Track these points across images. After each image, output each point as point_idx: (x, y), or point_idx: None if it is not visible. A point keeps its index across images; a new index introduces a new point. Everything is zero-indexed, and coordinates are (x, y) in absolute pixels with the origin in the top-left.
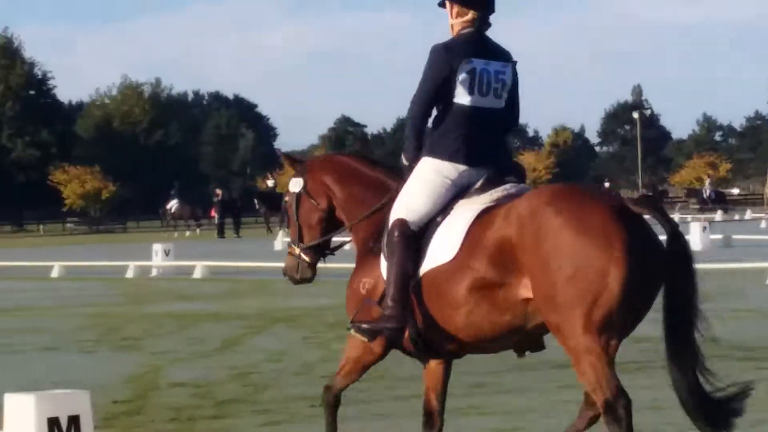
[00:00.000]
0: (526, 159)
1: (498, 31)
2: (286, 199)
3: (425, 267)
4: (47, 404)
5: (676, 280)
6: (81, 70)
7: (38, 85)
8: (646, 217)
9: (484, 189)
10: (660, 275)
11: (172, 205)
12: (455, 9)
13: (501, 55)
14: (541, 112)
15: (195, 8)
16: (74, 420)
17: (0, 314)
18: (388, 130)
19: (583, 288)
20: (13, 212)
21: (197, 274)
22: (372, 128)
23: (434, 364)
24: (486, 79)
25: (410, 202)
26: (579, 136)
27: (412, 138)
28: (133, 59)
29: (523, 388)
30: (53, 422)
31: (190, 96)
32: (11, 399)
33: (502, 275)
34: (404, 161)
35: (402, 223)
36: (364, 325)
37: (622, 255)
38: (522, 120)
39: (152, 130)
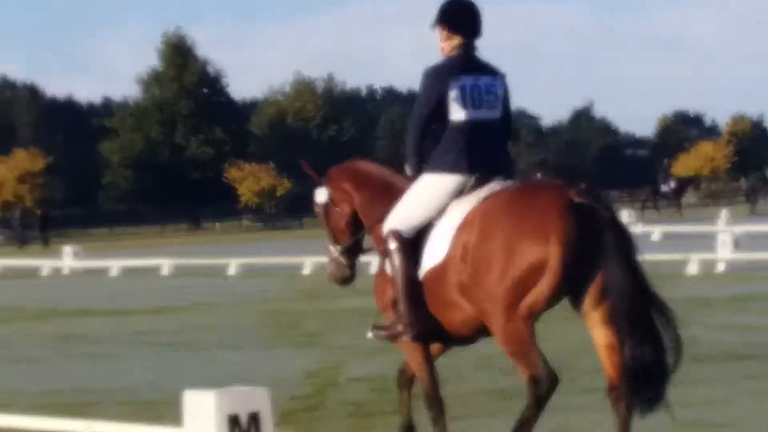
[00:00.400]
0: (704, 149)
1: (675, 20)
2: (317, 210)
3: (424, 269)
4: (227, 401)
5: (609, 266)
6: (254, 68)
7: (212, 84)
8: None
9: (473, 189)
10: (596, 261)
11: None
12: (444, 33)
13: (489, 70)
14: (719, 101)
15: (366, 3)
16: (254, 417)
17: (179, 312)
18: (564, 122)
19: (517, 280)
20: (190, 210)
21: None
22: (546, 121)
23: (436, 348)
24: (477, 93)
25: (405, 213)
26: (758, 125)
27: (412, 156)
28: (305, 55)
29: (703, 380)
30: (233, 419)
31: (363, 91)
32: (191, 396)
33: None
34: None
35: (395, 233)
36: (383, 333)
37: (558, 251)
38: (699, 109)
39: (325, 125)
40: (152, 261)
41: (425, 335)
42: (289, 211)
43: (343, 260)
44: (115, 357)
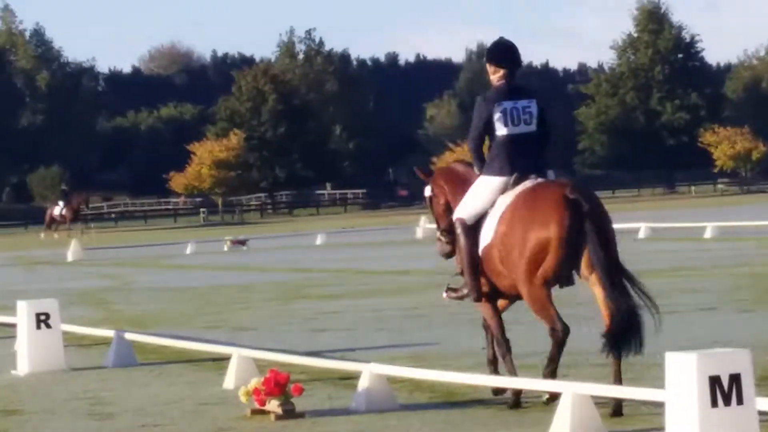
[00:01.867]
0: None
1: None
2: (425, 202)
3: (481, 247)
4: (708, 363)
5: (590, 245)
6: (728, 32)
7: (686, 49)
8: None
9: (513, 186)
10: (584, 240)
11: None
12: (492, 68)
13: (525, 94)
14: None
15: None
16: (735, 378)
17: (658, 275)
18: None
19: (531, 257)
20: (665, 174)
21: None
22: None
23: (501, 303)
24: (515, 114)
25: (467, 206)
26: None
27: (476, 160)
28: None
29: None
30: (714, 380)
31: None
32: (672, 358)
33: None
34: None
35: (460, 221)
36: (453, 294)
37: (557, 233)
38: None
39: None
40: (629, 224)
41: (489, 295)
42: (765, 174)
43: (443, 238)
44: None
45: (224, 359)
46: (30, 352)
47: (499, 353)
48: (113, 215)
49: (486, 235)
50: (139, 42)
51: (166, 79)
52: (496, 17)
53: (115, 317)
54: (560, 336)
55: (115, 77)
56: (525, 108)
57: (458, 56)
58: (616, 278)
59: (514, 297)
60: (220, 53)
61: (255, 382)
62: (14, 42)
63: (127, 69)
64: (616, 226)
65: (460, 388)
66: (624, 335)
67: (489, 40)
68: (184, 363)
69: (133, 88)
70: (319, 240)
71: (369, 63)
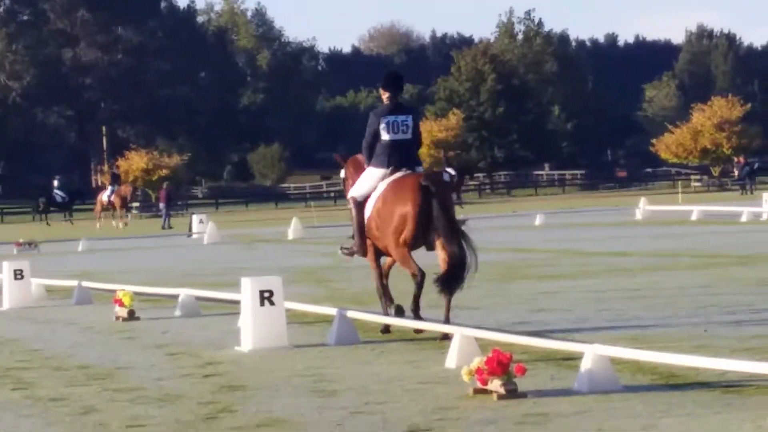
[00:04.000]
0: None
1: None
2: (342, 183)
3: (366, 216)
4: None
5: (437, 215)
6: None
7: None
8: None
9: (389, 176)
10: (432, 215)
11: None
12: (383, 91)
13: (405, 111)
14: None
15: None
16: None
17: None
18: None
19: (395, 227)
20: None
21: None
22: None
23: (388, 260)
24: (396, 125)
25: (358, 187)
26: None
27: (366, 156)
28: None
29: None
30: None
31: None
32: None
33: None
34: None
35: (353, 198)
36: (345, 251)
37: (412, 209)
38: None
39: None
40: None
41: (374, 254)
42: None
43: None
44: None
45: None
46: (253, 329)
47: (381, 302)
48: (332, 194)
49: (369, 210)
50: (358, 22)
51: (385, 59)
52: None
53: (336, 295)
54: (419, 279)
55: (334, 57)
56: (403, 121)
57: (678, 37)
58: (454, 236)
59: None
60: (439, 33)
61: (478, 361)
62: (236, 22)
63: (346, 49)
64: None
65: (681, 369)
66: (455, 279)
67: (710, 22)
68: (406, 341)
69: (353, 68)
70: (537, 220)
71: (588, 44)
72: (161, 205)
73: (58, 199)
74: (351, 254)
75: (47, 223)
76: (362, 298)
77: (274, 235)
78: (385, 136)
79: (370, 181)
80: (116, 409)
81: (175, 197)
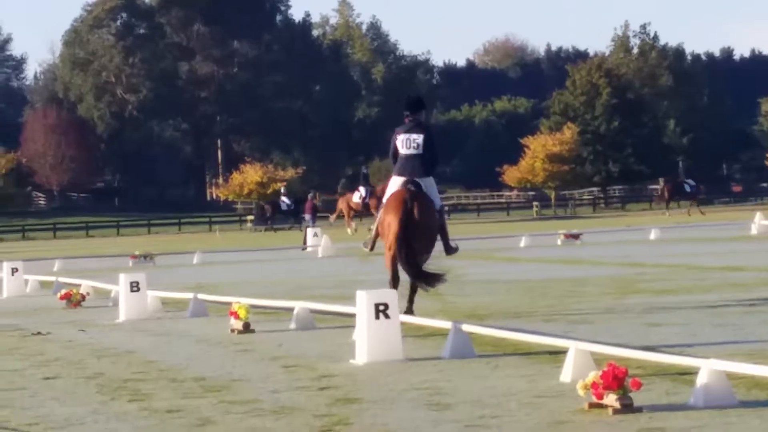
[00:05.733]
0: None
1: None
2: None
3: (377, 219)
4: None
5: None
6: None
7: None
8: None
9: (398, 182)
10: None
11: None
12: (405, 112)
13: (417, 129)
14: None
15: None
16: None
17: None
18: None
19: (384, 234)
20: None
21: None
22: None
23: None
24: (408, 141)
25: (386, 191)
26: None
27: (393, 165)
28: None
29: None
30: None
31: None
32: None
33: None
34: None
35: (380, 200)
36: (365, 245)
37: (396, 218)
38: None
39: None
40: None
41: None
42: None
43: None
44: None
45: (561, 352)
46: (368, 342)
47: (389, 286)
48: (446, 207)
49: (379, 213)
50: (473, 35)
51: (500, 73)
52: None
53: (450, 309)
54: (391, 286)
55: (449, 70)
56: (414, 139)
57: None
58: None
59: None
60: (554, 47)
61: (593, 375)
62: (351, 35)
63: (461, 62)
64: None
65: None
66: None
67: None
68: (520, 355)
69: (468, 81)
70: (652, 235)
71: (703, 58)
72: (306, 217)
73: (284, 207)
74: (369, 248)
75: (273, 230)
76: (477, 311)
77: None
78: (400, 151)
79: (391, 188)
80: (232, 421)
81: (322, 208)
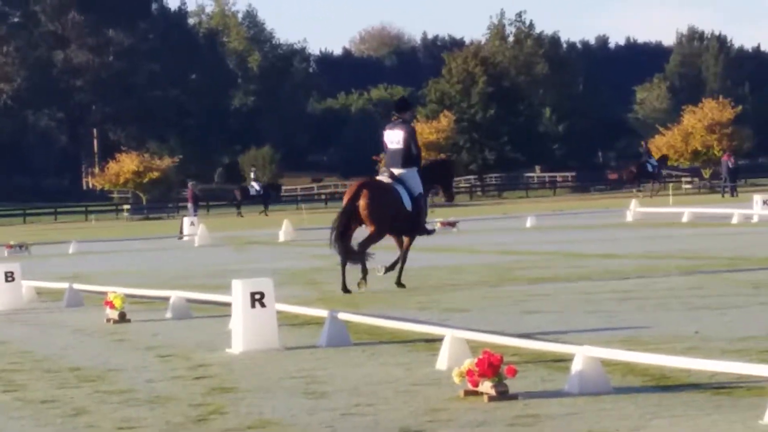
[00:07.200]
0: None
1: None
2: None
3: None
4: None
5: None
6: None
7: None
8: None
9: (382, 172)
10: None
11: None
12: (392, 111)
13: (399, 127)
14: None
15: None
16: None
17: None
18: None
19: (355, 215)
20: None
21: None
22: None
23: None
24: (391, 137)
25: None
26: None
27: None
28: None
29: None
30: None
31: None
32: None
33: None
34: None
35: None
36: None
37: (344, 202)
38: None
39: None
40: None
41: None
42: None
43: None
44: None
45: (437, 340)
46: (244, 331)
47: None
48: (323, 196)
49: None
50: (350, 24)
51: (376, 61)
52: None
53: (327, 297)
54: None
55: (325, 59)
56: (395, 135)
57: (669, 39)
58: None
59: (394, 235)
60: (430, 35)
61: (468, 363)
62: (227, 24)
63: (337, 51)
64: None
65: (673, 371)
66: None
67: (701, 24)
68: (397, 343)
69: (344, 70)
70: (528, 223)
71: (579, 46)
72: (189, 206)
73: (253, 192)
74: None
75: (240, 215)
76: (353, 300)
77: (266, 237)
78: (388, 146)
79: (382, 178)
80: (107, 411)
81: (201, 197)
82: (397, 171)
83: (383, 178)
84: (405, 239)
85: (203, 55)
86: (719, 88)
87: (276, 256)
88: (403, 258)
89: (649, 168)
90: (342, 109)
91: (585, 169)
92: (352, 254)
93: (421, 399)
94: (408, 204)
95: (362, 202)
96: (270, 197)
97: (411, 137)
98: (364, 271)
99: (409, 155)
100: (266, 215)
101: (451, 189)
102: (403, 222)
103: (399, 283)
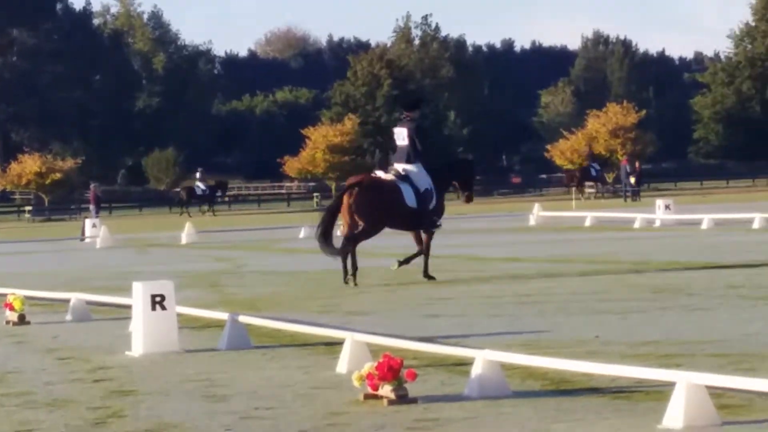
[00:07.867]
0: None
1: None
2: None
3: None
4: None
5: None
6: None
7: None
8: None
9: (390, 169)
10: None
11: None
12: (401, 109)
13: (405, 124)
14: None
15: None
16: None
17: None
18: None
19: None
20: None
21: None
22: None
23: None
24: (398, 135)
25: None
26: None
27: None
28: None
29: None
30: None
31: None
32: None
33: None
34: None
35: None
36: None
37: (348, 200)
38: None
39: None
40: (743, 215)
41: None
42: None
43: None
44: (709, 310)
45: (337, 343)
46: (144, 334)
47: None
48: (227, 198)
49: None
50: (255, 26)
51: (281, 63)
52: (612, 4)
53: (229, 300)
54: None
55: (231, 61)
56: (401, 132)
57: (574, 43)
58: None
59: (406, 231)
60: (335, 38)
61: (368, 366)
62: (132, 24)
63: (243, 53)
64: (730, 216)
65: (573, 375)
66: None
67: (606, 29)
68: (297, 347)
69: (249, 71)
70: None
71: (484, 49)
72: (91, 207)
73: (199, 191)
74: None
75: (188, 215)
76: (255, 303)
77: (168, 239)
78: (396, 142)
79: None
80: (5, 413)
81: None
82: (402, 167)
83: (387, 175)
84: (423, 235)
85: (108, 56)
86: (624, 92)
87: (178, 259)
88: (425, 252)
89: (593, 172)
90: (247, 110)
91: (489, 172)
92: (334, 251)
93: (321, 402)
94: (411, 200)
95: (346, 200)
96: (216, 197)
97: (414, 134)
98: (354, 267)
99: (414, 151)
100: (213, 215)
101: (471, 189)
102: (405, 218)
103: (427, 275)
